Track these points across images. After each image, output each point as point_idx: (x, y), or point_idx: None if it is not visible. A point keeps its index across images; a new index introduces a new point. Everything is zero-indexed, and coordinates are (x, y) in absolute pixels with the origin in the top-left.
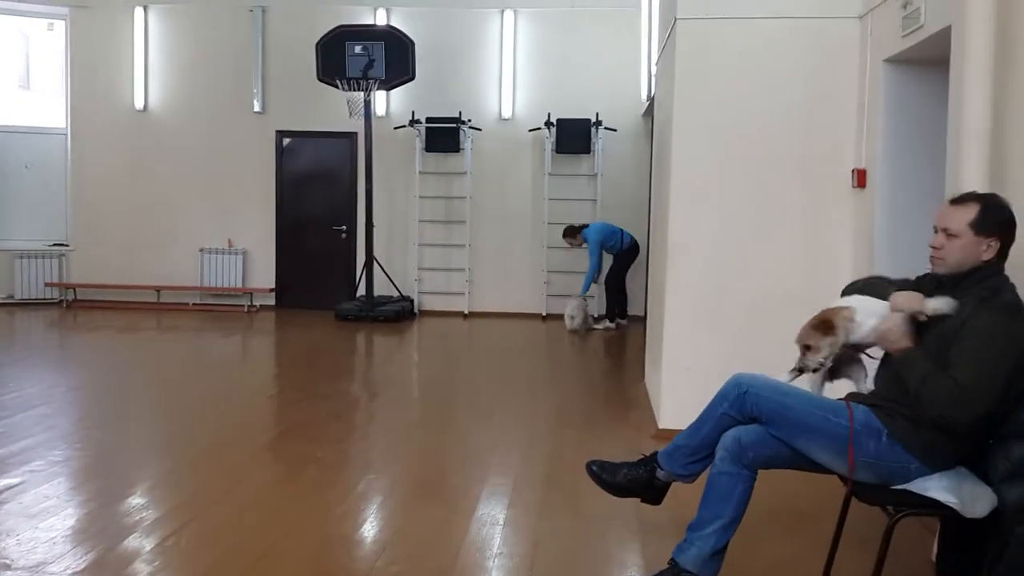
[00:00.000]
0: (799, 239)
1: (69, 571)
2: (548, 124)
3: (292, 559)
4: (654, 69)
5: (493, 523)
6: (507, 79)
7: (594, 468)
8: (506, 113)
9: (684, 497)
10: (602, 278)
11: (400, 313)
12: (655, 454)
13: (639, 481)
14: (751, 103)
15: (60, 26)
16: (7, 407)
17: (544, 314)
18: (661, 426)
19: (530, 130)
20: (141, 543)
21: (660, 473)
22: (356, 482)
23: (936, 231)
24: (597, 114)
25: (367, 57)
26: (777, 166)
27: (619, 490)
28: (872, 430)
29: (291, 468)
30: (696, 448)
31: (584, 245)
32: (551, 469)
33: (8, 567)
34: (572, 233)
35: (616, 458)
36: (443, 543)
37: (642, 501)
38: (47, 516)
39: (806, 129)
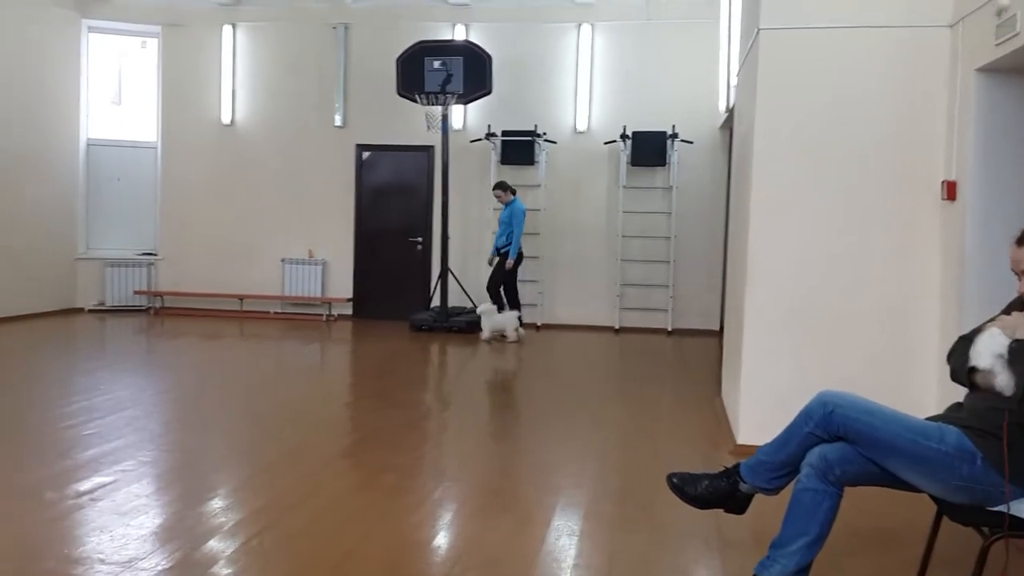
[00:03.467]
0: (885, 253)
1: (159, 568)
2: (623, 137)
3: (370, 564)
4: (733, 80)
5: (569, 534)
6: (583, 92)
7: (675, 480)
8: (581, 126)
9: (766, 513)
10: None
11: (474, 324)
12: (737, 466)
13: (721, 493)
14: (836, 114)
15: (152, 44)
16: (100, 409)
17: (617, 327)
18: (739, 441)
19: (605, 143)
20: (224, 544)
21: (743, 486)
22: (432, 489)
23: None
24: (673, 126)
25: (445, 72)
26: (863, 178)
27: (701, 502)
28: (966, 453)
29: (368, 475)
30: (780, 464)
31: (503, 205)
32: (626, 482)
33: (102, 562)
34: (505, 188)
35: (695, 471)
36: (518, 553)
37: (725, 511)
38: (137, 514)
39: (893, 141)
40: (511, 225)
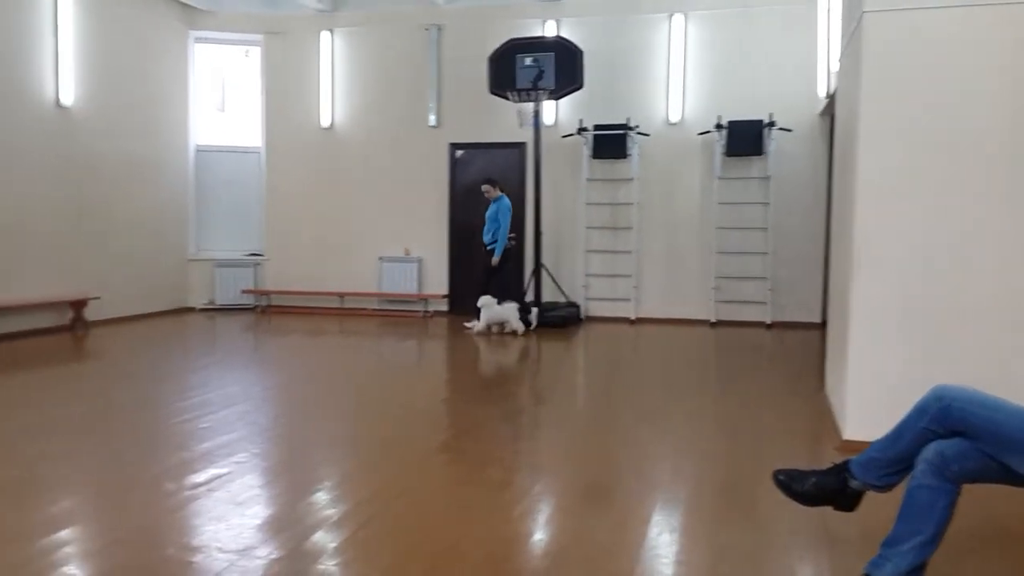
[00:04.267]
0: (1003, 239)
1: (271, 557)
2: (718, 126)
3: (471, 557)
4: (834, 65)
5: (671, 530)
6: (675, 83)
7: (781, 477)
8: (674, 117)
9: (876, 510)
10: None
11: (567, 319)
12: (847, 462)
13: (830, 489)
14: (947, 98)
15: (255, 52)
16: (213, 404)
17: (713, 320)
18: (846, 437)
19: (699, 133)
20: (331, 535)
21: (853, 483)
22: (531, 484)
23: None
24: (770, 114)
25: (537, 68)
26: (977, 164)
27: (808, 499)
28: None
29: (468, 468)
30: (892, 461)
31: (491, 200)
32: (727, 478)
33: (220, 550)
34: (495, 184)
35: (801, 468)
36: (620, 548)
37: (835, 508)
38: (251, 505)
39: (1011, 124)
40: (498, 221)
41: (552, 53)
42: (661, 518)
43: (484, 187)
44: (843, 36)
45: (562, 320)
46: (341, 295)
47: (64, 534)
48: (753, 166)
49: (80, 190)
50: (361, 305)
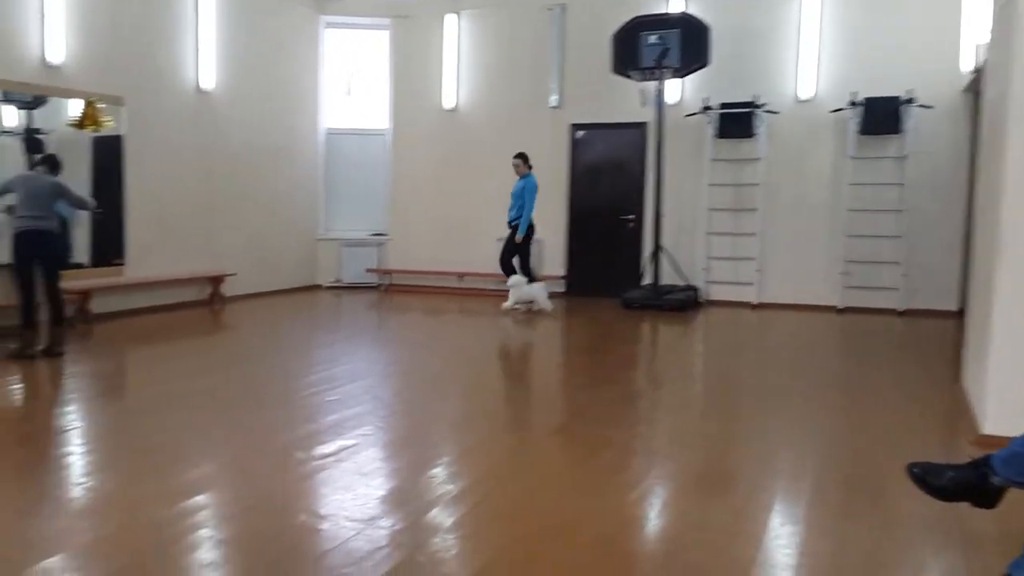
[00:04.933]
0: None
1: (395, 528)
2: (852, 104)
3: (587, 537)
4: (982, 37)
5: (794, 521)
6: (807, 58)
7: (916, 470)
8: (805, 94)
9: (1018, 507)
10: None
11: (686, 302)
12: (987, 457)
13: (969, 485)
14: None
15: (383, 36)
16: (340, 378)
17: (840, 307)
18: (985, 431)
19: (832, 111)
20: (449, 511)
21: (994, 478)
22: (648, 467)
23: None
24: (909, 91)
25: (662, 46)
26: None
27: (945, 494)
28: None
29: (584, 450)
30: None
31: (519, 175)
32: (853, 469)
33: (347, 519)
34: (525, 160)
35: (938, 461)
36: (741, 535)
37: (973, 505)
38: (376, 476)
39: None
40: (523, 198)
41: (677, 30)
42: (783, 507)
43: (515, 161)
44: (994, 3)
45: (681, 304)
46: (460, 275)
47: (202, 498)
48: (889, 145)
49: (218, 172)
50: (480, 285)
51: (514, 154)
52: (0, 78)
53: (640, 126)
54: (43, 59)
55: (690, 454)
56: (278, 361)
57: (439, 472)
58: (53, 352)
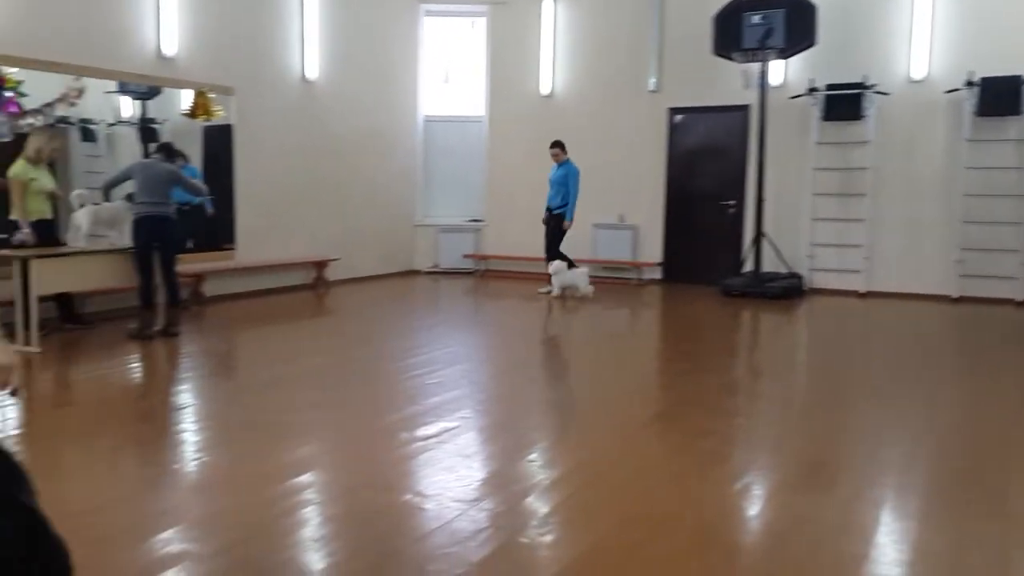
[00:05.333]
0: None
1: (496, 511)
2: (969, 84)
3: (688, 528)
4: None
5: (906, 516)
6: (920, 37)
7: None
8: (917, 74)
9: None
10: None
11: (789, 290)
12: None
13: None
14: None
15: (480, 23)
16: (440, 361)
17: (955, 296)
18: None
19: (947, 91)
20: (549, 495)
21: None
22: (750, 458)
23: None
24: None
25: (766, 26)
26: None
27: None
28: None
29: (684, 439)
30: None
31: (558, 163)
32: (972, 465)
33: (452, 499)
34: (563, 148)
35: None
36: (850, 529)
37: None
38: (477, 458)
39: None
40: (565, 185)
41: (782, 9)
42: (895, 502)
43: (553, 150)
44: None
45: (783, 291)
46: None
47: (309, 476)
48: (1009, 127)
49: (321, 160)
50: None
51: (552, 142)
52: (119, 70)
53: (742, 109)
54: (158, 51)
55: (794, 445)
56: (380, 344)
57: (538, 457)
58: (169, 332)
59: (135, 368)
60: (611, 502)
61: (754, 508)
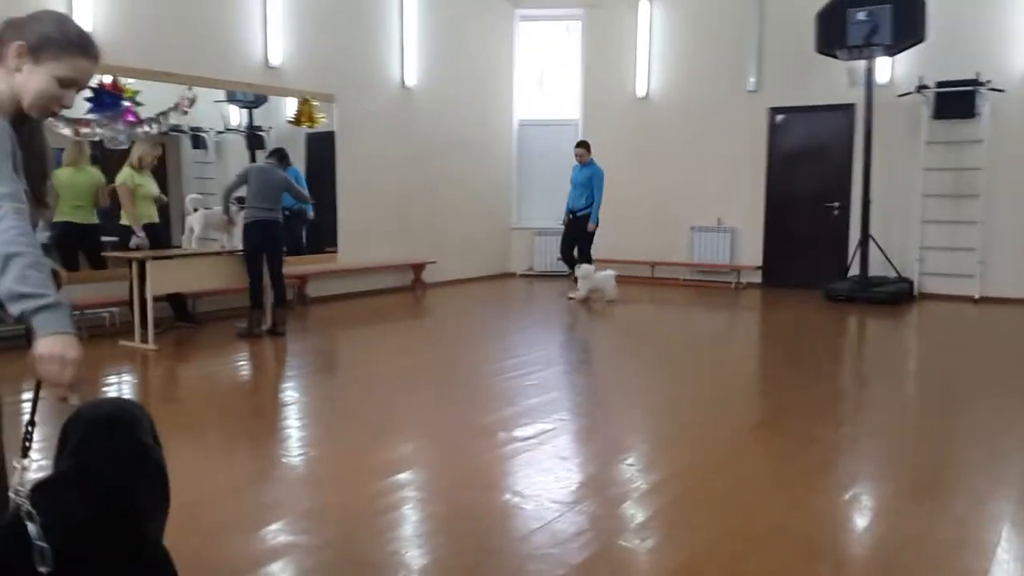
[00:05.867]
0: None
1: (597, 513)
2: None
3: (794, 538)
4: None
5: None
6: None
7: None
8: None
9: None
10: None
11: (897, 295)
12: None
13: None
14: None
15: (575, 27)
16: (536, 363)
17: None
18: None
19: None
20: (649, 500)
21: None
22: (859, 468)
23: None
24: None
25: (871, 22)
26: None
27: None
28: None
29: (788, 448)
30: None
31: (582, 163)
32: None
33: (550, 500)
34: (588, 148)
35: None
36: (968, 545)
37: None
38: (574, 461)
39: None
40: (590, 187)
41: (889, 5)
42: (1015, 516)
43: (579, 150)
44: None
45: (891, 296)
46: (651, 264)
47: (411, 473)
48: None
49: (419, 164)
50: (671, 275)
51: (577, 142)
52: (228, 79)
53: (846, 108)
54: (265, 61)
55: (905, 456)
56: (476, 345)
57: (636, 461)
58: (276, 332)
59: (244, 365)
60: (713, 510)
61: (865, 520)
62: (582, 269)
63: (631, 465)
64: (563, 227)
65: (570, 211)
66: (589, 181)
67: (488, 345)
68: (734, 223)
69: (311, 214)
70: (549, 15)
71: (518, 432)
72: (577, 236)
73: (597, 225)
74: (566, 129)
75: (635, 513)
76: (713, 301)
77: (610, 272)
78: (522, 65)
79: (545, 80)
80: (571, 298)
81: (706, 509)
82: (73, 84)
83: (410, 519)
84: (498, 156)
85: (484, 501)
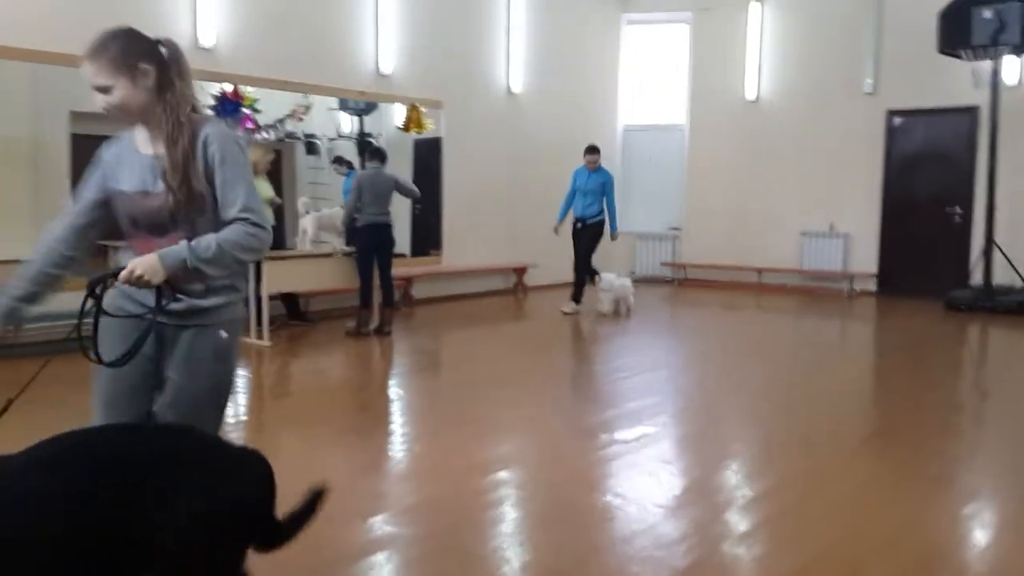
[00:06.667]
0: None
1: (702, 518)
2: None
3: (911, 552)
4: None
5: None
6: None
7: None
8: None
9: None
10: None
11: None
12: None
13: None
14: None
15: (682, 30)
16: (638, 367)
17: None
18: None
19: None
20: (757, 508)
21: None
22: (980, 481)
23: None
24: None
25: (998, 21)
26: None
27: None
28: None
29: (902, 460)
30: None
31: (591, 170)
32: None
33: (653, 504)
34: (599, 153)
35: None
36: None
37: None
38: (677, 465)
39: None
40: (602, 194)
41: (1018, 2)
42: None
43: (592, 156)
44: None
45: (1017, 306)
46: (759, 270)
47: (512, 471)
48: None
49: (522, 169)
50: (780, 281)
51: (589, 146)
52: (342, 87)
53: (970, 111)
54: (377, 70)
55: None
56: (578, 347)
57: (742, 468)
58: (383, 331)
59: (352, 363)
60: (824, 520)
61: (988, 535)
62: (604, 281)
63: (737, 472)
64: (556, 234)
65: (579, 219)
66: (601, 188)
67: (589, 348)
68: (847, 228)
69: (418, 206)
70: (657, 19)
71: (620, 435)
72: (588, 244)
73: (618, 233)
74: (671, 134)
75: (742, 520)
76: (824, 308)
77: (627, 280)
78: (627, 69)
79: (650, 84)
80: (566, 312)
81: (817, 519)
82: (96, 89)
83: (512, 515)
84: (602, 161)
85: (585, 501)
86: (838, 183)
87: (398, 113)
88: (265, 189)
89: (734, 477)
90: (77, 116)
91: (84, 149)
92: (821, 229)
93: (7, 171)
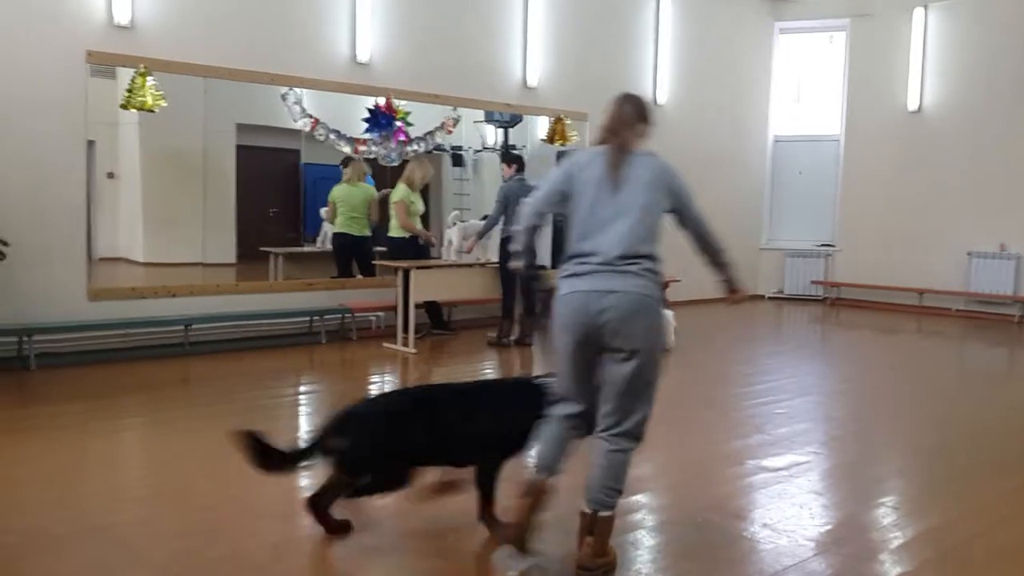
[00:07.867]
0: None
1: (857, 555)
2: None
3: None
4: None
5: None
6: None
7: None
8: None
9: None
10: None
11: None
12: None
13: None
14: None
15: (838, 37)
16: (786, 391)
17: None
18: None
19: None
20: (912, 552)
21: None
22: None
23: None
24: None
25: None
26: None
27: None
28: None
29: None
30: None
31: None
32: None
33: (805, 538)
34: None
35: None
36: None
37: None
38: (830, 497)
39: None
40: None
41: None
42: None
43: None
44: None
45: None
46: (920, 292)
47: (651, 496)
48: None
49: None
50: (942, 304)
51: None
52: (491, 100)
53: None
54: (523, 83)
55: None
56: (723, 367)
57: (902, 504)
58: (523, 342)
59: (493, 372)
60: (989, 569)
61: None
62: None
63: (895, 508)
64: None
65: None
66: None
67: (735, 368)
68: (1020, 249)
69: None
70: (811, 27)
71: (768, 462)
72: None
73: None
74: (825, 145)
75: (898, 562)
76: (992, 335)
77: (670, 313)
78: (779, 79)
79: (803, 94)
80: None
81: (982, 567)
82: None
83: (655, 540)
84: (750, 173)
85: (733, 530)
86: (1011, 200)
87: (542, 125)
88: (420, 204)
89: (891, 514)
90: (242, 128)
91: (247, 160)
92: (990, 249)
93: (184, 181)
